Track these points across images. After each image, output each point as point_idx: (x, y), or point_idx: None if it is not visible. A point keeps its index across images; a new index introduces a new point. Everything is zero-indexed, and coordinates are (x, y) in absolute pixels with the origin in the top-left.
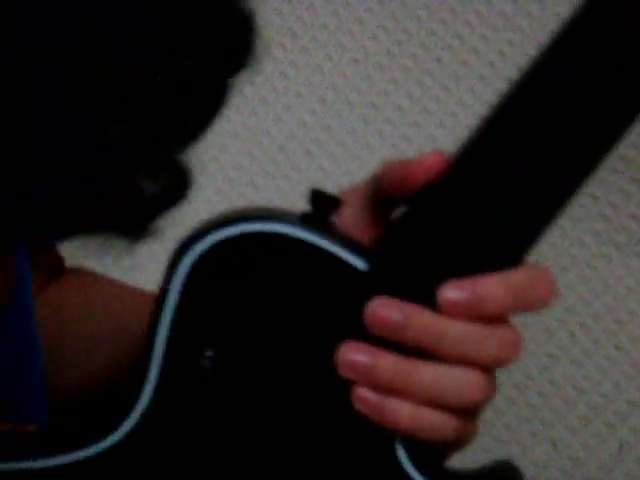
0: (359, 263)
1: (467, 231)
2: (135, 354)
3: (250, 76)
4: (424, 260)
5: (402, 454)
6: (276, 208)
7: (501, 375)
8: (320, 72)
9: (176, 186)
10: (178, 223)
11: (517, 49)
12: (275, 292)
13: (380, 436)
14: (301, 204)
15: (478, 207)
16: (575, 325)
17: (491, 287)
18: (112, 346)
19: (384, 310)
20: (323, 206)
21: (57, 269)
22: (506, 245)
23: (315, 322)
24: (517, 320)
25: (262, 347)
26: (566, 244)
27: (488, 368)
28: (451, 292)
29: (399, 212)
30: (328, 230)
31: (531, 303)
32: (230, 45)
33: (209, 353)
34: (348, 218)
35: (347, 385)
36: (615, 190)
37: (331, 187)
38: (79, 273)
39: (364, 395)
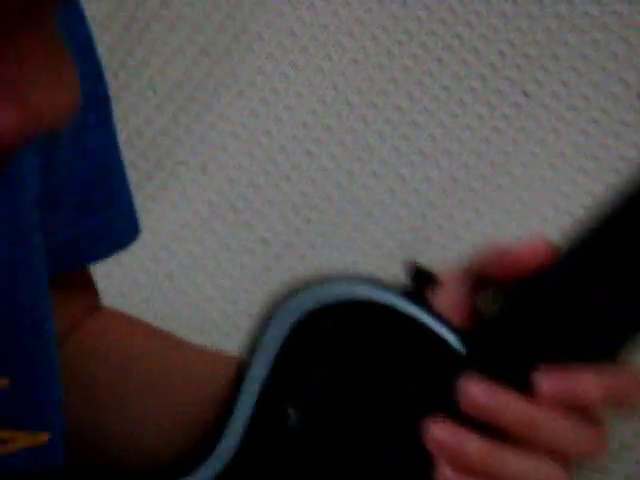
0: (456, 341)
1: (568, 322)
2: (194, 405)
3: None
4: (522, 345)
5: None
6: (372, 277)
7: None
8: (320, 72)
9: None
10: (178, 221)
11: (517, 49)
12: (366, 358)
13: None
14: (301, 204)
15: (583, 300)
16: None
17: (588, 381)
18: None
19: (477, 391)
20: (422, 282)
21: (93, 305)
22: (606, 341)
23: (404, 391)
24: None
25: (349, 410)
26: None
27: (571, 459)
28: (548, 381)
29: (489, 295)
30: (425, 305)
31: (622, 403)
32: None
33: (295, 411)
34: (443, 295)
35: (430, 456)
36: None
37: (331, 187)
38: (117, 315)
39: (447, 474)
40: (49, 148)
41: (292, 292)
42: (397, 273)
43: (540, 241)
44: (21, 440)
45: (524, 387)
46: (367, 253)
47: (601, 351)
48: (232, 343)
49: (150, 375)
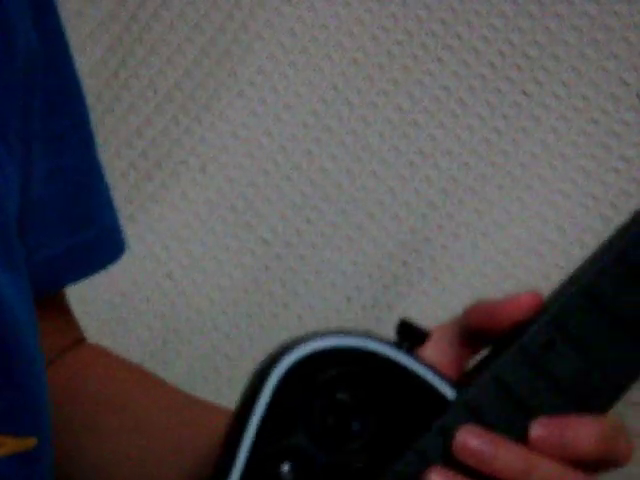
0: (448, 392)
1: (558, 371)
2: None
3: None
4: (514, 394)
5: None
6: (364, 329)
7: None
8: (320, 72)
9: None
10: (178, 221)
11: (517, 49)
12: (358, 410)
13: None
14: (301, 204)
15: (570, 349)
16: None
17: (580, 428)
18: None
19: (473, 439)
20: (411, 338)
21: (75, 337)
22: (595, 389)
23: (399, 442)
24: None
25: (343, 463)
26: (566, 244)
27: None
28: (539, 427)
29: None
30: (416, 356)
31: (612, 455)
32: None
33: (288, 465)
34: (432, 352)
35: None
36: (615, 189)
37: (331, 187)
38: (99, 351)
39: None
40: (25, 165)
41: (283, 347)
42: (397, 273)
43: (527, 293)
44: (9, 445)
45: (516, 435)
46: (367, 253)
47: (592, 401)
48: (232, 343)
49: (131, 414)
